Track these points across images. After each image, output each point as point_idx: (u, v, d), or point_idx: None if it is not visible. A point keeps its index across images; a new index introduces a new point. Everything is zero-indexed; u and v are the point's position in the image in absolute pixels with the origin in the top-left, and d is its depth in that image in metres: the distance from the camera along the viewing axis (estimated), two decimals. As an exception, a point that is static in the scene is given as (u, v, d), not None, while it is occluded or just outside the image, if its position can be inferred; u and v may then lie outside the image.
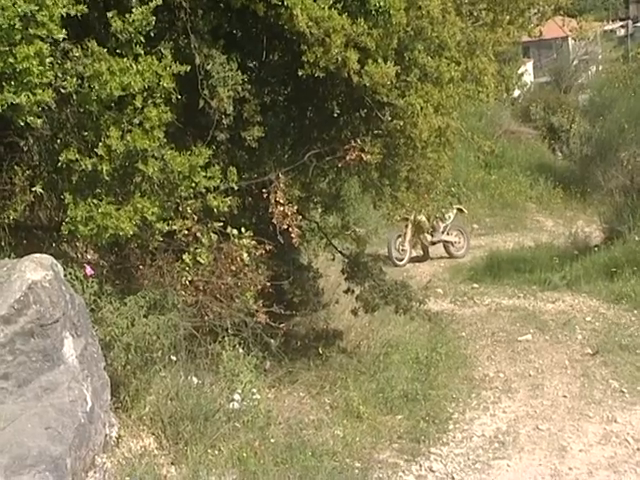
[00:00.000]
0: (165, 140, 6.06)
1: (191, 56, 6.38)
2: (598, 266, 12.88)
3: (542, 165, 23.51)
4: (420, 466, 6.80)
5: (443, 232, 16.63)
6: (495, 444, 7.19)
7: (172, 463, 5.93)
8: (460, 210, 17.06)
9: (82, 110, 5.87)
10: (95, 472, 5.19)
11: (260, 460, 6.18)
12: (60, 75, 5.59)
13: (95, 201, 5.90)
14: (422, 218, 15.57)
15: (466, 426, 7.68)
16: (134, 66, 5.67)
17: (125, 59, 5.68)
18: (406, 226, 15.67)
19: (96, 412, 5.30)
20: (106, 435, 5.54)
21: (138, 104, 5.77)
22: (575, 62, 30.61)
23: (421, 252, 16.69)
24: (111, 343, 6.00)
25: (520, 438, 7.27)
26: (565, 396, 8.21)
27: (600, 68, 29.05)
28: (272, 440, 6.55)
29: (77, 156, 5.81)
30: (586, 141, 21.31)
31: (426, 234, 16.44)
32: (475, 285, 13.78)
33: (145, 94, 5.81)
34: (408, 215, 14.16)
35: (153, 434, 6.10)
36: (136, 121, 5.84)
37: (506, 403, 8.22)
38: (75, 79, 5.62)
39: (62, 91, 5.64)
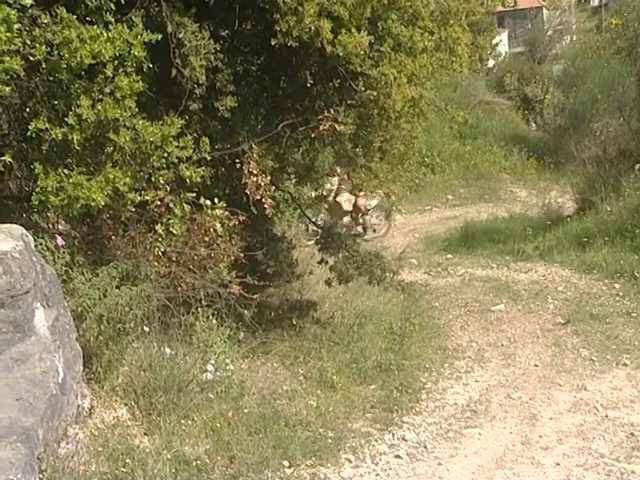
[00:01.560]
0: (137, 110, 5.99)
1: (162, 24, 6.30)
2: (570, 236, 12.97)
3: (516, 136, 23.58)
4: (393, 435, 6.85)
5: (363, 214, 16.03)
6: (467, 413, 7.25)
7: (145, 434, 5.94)
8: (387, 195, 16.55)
9: (52, 78, 5.77)
10: (67, 443, 5.18)
11: (234, 430, 6.21)
12: (29, 42, 5.50)
13: (66, 171, 5.83)
14: (341, 199, 15.33)
15: (439, 395, 7.74)
16: (104, 34, 5.59)
17: (95, 27, 5.60)
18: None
19: (68, 383, 5.29)
20: (78, 406, 5.53)
21: (109, 73, 5.69)
22: (549, 32, 30.63)
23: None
24: (83, 314, 5.97)
25: (492, 407, 7.34)
26: (537, 365, 8.29)
27: (574, 38, 29.10)
28: (246, 410, 6.57)
29: (47, 125, 5.73)
30: (559, 112, 21.35)
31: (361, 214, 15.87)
32: (449, 256, 13.84)
33: (116, 63, 5.74)
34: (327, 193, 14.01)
35: (126, 405, 6.10)
36: (107, 90, 5.76)
37: (478, 372, 8.29)
38: (44, 47, 5.53)
39: (31, 59, 5.55)
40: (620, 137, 16.30)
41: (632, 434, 6.53)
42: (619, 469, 5.96)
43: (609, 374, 7.86)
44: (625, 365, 8.02)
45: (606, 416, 6.92)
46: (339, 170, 15.03)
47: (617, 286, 10.56)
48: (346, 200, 15.58)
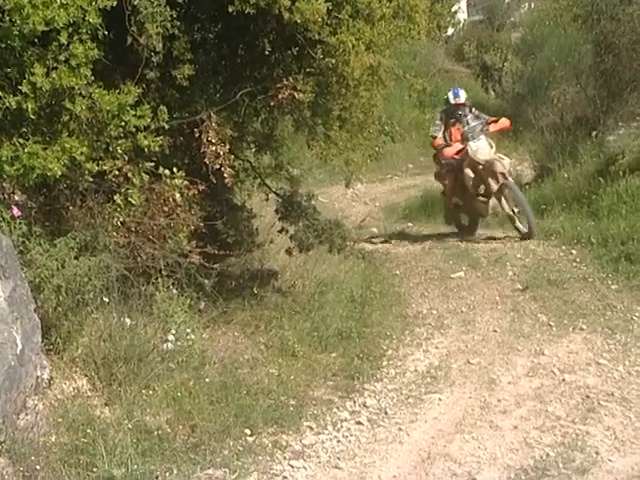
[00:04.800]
0: (93, 78, 5.93)
1: (117, -10, 6.20)
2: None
3: (475, 104, 23.31)
4: (354, 402, 6.90)
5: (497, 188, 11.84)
6: (427, 379, 7.32)
7: (106, 404, 5.92)
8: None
9: (4, 45, 5.67)
10: (27, 414, 5.16)
11: (195, 399, 6.21)
12: (-22, 8, 5.41)
13: (21, 140, 5.78)
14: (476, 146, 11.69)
15: (399, 362, 7.79)
16: (58, 0, 5.50)
17: (48, -8, 5.51)
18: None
19: (27, 354, 5.26)
20: (37, 377, 5.51)
21: (63, 40, 5.63)
22: (508, 0, 30.60)
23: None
24: (41, 285, 5.91)
25: (452, 373, 7.41)
26: (495, 331, 8.38)
27: (532, 6, 29.04)
28: (207, 380, 6.58)
29: (0, 94, 5.65)
30: (518, 79, 21.38)
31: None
32: (410, 224, 13.89)
33: (70, 30, 5.67)
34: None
35: (86, 376, 6.07)
36: (62, 58, 5.70)
37: (439, 339, 8.36)
38: (-5, 13, 5.44)
39: (-19, 25, 5.46)
40: (577, 104, 16.39)
41: (588, 396, 6.65)
42: (575, 431, 6.07)
43: (566, 338, 7.97)
44: (582, 329, 8.14)
45: (563, 379, 7.02)
46: (460, 94, 12.50)
47: (574, 252, 10.68)
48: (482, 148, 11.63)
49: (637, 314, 8.43)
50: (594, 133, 13.87)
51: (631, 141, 12.92)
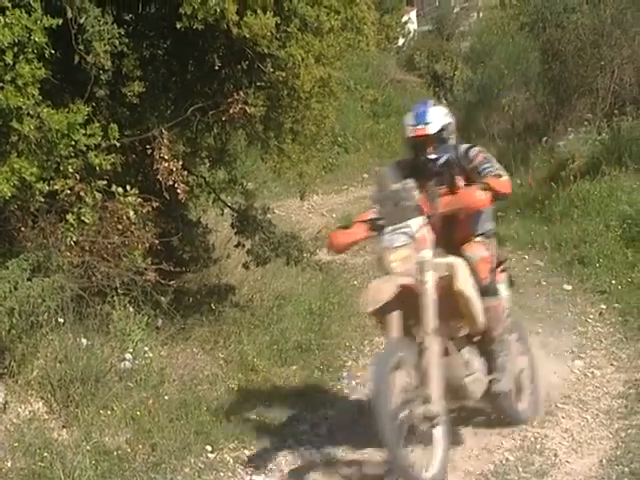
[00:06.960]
0: (41, 97, 5.88)
1: (63, 9, 6.16)
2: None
3: (428, 113, 23.79)
4: (315, 414, 6.89)
5: None
6: (387, 388, 7.34)
7: (63, 426, 5.85)
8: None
9: (-52, 66, 5.62)
10: (-19, 440, 5.09)
11: (154, 418, 6.17)
12: None
13: (-32, 163, 5.71)
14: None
15: (359, 373, 7.81)
16: (1, 19, 5.46)
17: (-9, 12, 5.47)
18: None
19: (-20, 380, 5.18)
20: (-8, 403, 5.44)
21: (9, 60, 5.56)
22: (456, 10, 31.00)
23: None
24: (-7, 308, 5.85)
25: (411, 381, 7.43)
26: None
27: (480, 15, 29.48)
28: (166, 397, 6.53)
29: (-54, 116, 5.58)
30: (468, 88, 21.61)
31: None
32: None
33: (16, 49, 5.60)
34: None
35: (42, 398, 6.00)
36: (7, 78, 5.63)
37: (397, 348, 8.37)
38: (-62, 34, 5.37)
39: None
40: (527, 111, 16.64)
41: (545, 399, 6.71)
42: (533, 434, 6.13)
43: (523, 343, 8.04)
44: (538, 333, 8.21)
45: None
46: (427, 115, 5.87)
47: (528, 257, 10.80)
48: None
49: (591, 316, 8.57)
50: (544, 139, 14.09)
51: (580, 146, 13.15)
